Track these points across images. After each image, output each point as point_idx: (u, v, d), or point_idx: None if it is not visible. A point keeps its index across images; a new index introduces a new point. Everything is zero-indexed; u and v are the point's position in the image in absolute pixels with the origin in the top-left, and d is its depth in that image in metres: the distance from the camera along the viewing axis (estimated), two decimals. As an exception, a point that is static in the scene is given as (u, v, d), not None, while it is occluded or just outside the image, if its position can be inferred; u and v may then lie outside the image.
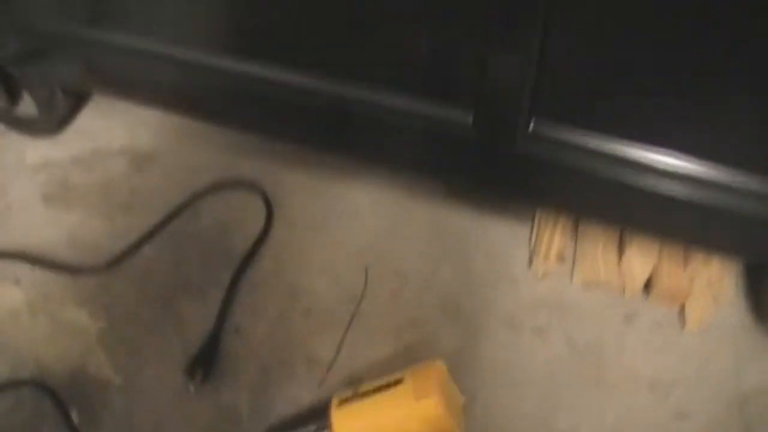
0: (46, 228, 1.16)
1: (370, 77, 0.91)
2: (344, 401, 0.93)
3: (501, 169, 0.95)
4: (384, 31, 0.87)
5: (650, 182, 0.86)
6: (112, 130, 1.28)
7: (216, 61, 0.99)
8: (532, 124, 0.87)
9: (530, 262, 1.08)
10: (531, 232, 1.10)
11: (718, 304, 1.02)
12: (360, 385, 0.95)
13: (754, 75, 0.72)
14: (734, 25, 0.70)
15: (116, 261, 1.09)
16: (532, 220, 1.11)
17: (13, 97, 1.27)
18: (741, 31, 0.70)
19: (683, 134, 0.83)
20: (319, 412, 0.94)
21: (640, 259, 1.04)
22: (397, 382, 0.92)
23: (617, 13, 0.74)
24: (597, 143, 0.86)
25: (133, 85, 1.10)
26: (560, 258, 1.07)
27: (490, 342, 1.01)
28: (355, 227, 1.12)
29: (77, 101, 1.31)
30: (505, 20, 0.77)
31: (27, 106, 1.27)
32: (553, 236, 1.08)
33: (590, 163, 0.87)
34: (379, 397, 0.91)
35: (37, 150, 1.28)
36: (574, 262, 1.07)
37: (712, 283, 1.02)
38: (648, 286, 1.05)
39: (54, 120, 1.28)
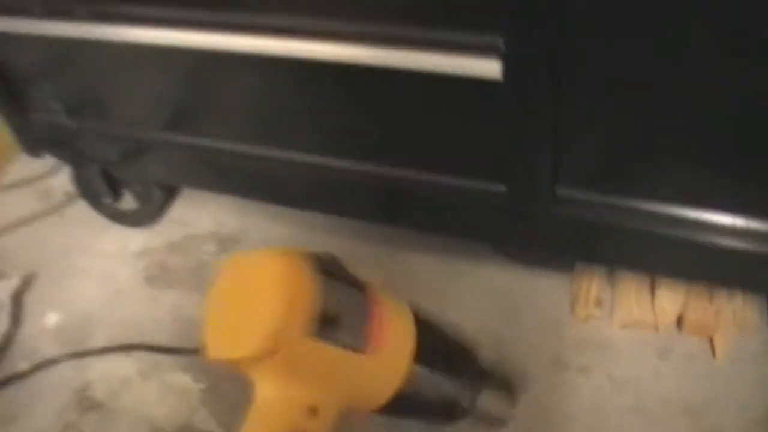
0: (151, 306, 1.33)
1: (423, 163, 1.07)
2: None
3: (538, 229, 1.07)
4: (432, 131, 1.04)
5: (678, 234, 0.95)
6: (201, 217, 1.46)
7: (292, 155, 1.16)
8: (558, 190, 1.01)
9: (572, 308, 1.22)
10: (571, 281, 1.24)
11: (744, 334, 1.13)
12: None
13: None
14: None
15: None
16: (572, 270, 1.24)
17: (116, 194, 1.46)
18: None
19: (704, 190, 0.92)
20: None
21: (670, 298, 1.15)
22: None
23: (629, 94, 0.87)
24: (621, 202, 0.97)
25: (219, 179, 1.28)
26: (598, 303, 1.19)
27: (539, 381, 1.13)
28: (411, 285, 1.26)
29: (170, 193, 1.50)
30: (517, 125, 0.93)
31: (128, 201, 1.48)
32: (591, 284, 1.20)
33: (617, 220, 0.98)
34: None
35: (138, 239, 1.47)
36: (611, 305, 1.20)
37: (737, 315, 1.13)
38: (679, 322, 1.17)
39: (151, 211, 1.47)
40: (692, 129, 0.87)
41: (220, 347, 0.64)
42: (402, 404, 0.74)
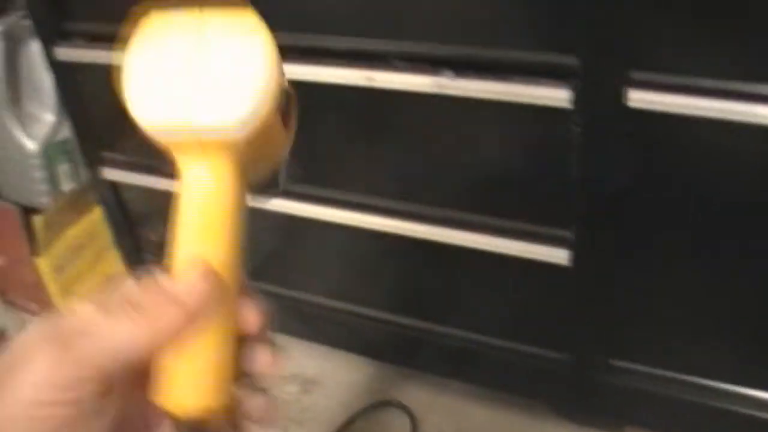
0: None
1: (492, 329, 1.22)
2: None
3: (592, 394, 1.20)
4: (504, 302, 1.20)
5: (725, 406, 1.07)
6: (285, 359, 1.61)
7: (374, 312, 1.32)
8: (611, 361, 1.15)
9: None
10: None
11: None
12: None
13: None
14: None
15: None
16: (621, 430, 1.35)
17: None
18: None
19: (747, 368, 1.06)
20: None
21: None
22: None
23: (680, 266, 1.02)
24: (670, 374, 1.11)
25: (303, 327, 1.44)
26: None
27: None
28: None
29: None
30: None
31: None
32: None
33: (666, 389, 1.11)
34: None
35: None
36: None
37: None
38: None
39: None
40: (733, 313, 1.02)
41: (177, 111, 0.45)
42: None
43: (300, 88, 0.49)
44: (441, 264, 1.19)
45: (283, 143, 0.53)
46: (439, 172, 1.09)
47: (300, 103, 0.50)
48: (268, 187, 0.61)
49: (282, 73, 0.47)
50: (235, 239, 0.48)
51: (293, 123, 0.53)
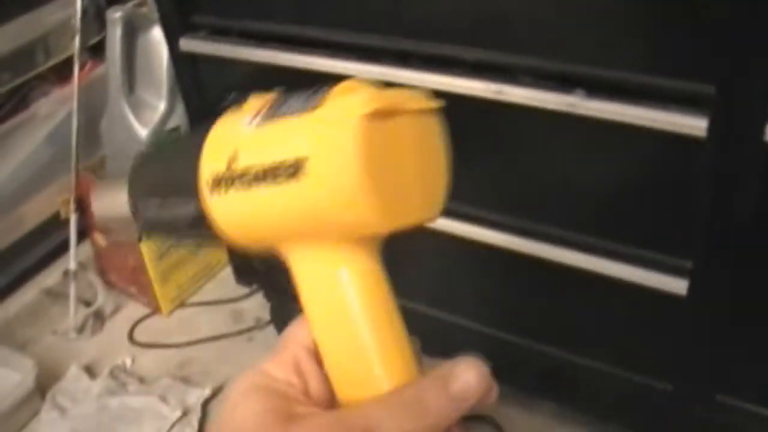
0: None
1: (591, 353, 1.21)
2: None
3: (691, 429, 1.19)
4: (614, 327, 1.18)
5: None
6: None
7: (472, 325, 1.32)
8: (718, 396, 1.12)
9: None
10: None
11: None
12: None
13: None
14: None
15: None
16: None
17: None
18: None
19: None
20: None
21: None
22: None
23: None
24: None
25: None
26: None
27: None
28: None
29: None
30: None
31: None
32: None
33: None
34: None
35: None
36: None
37: None
38: None
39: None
40: None
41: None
42: None
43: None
44: (548, 283, 1.18)
45: None
46: (557, 190, 1.08)
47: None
48: None
49: None
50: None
51: None
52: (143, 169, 0.51)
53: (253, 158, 0.43)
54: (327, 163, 0.40)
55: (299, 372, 0.46)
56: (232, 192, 0.43)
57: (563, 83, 0.96)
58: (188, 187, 0.46)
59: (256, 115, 0.44)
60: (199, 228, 0.47)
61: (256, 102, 0.46)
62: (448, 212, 1.15)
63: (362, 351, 0.45)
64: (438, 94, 0.92)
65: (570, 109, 0.94)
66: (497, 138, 1.08)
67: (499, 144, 1.09)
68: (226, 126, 0.46)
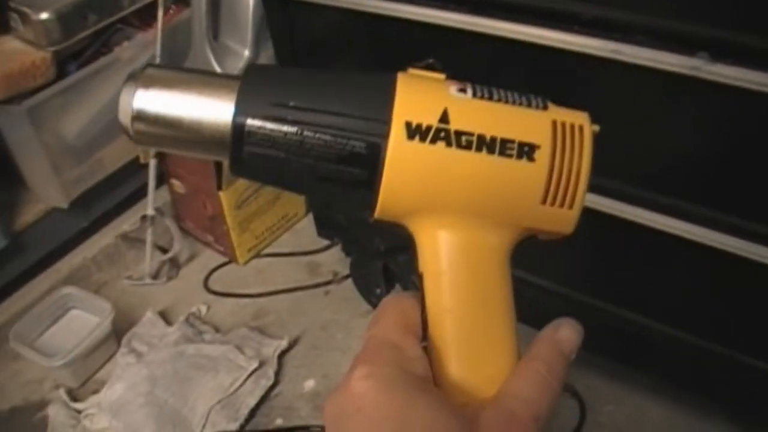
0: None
1: (684, 324, 1.17)
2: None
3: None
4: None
5: None
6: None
7: (558, 288, 1.28)
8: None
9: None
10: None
11: None
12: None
13: None
14: None
15: None
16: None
17: (389, 287, 1.60)
18: None
19: None
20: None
21: None
22: None
23: None
24: None
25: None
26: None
27: None
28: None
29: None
30: None
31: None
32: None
33: None
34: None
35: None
36: None
37: None
38: None
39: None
40: None
41: None
42: None
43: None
44: (641, 249, 1.14)
45: None
46: (664, 159, 1.04)
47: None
48: None
49: None
50: None
51: None
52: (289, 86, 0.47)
53: (475, 125, 0.46)
54: (559, 158, 0.47)
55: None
56: (439, 145, 0.45)
57: (686, 45, 0.91)
58: (376, 123, 0.45)
59: (463, 89, 0.47)
60: (363, 165, 0.46)
61: (439, 75, 0.49)
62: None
63: (494, 326, 0.49)
64: (552, 50, 0.89)
65: (693, 73, 0.90)
66: (610, 100, 1.03)
67: (612, 106, 1.04)
68: (423, 85, 0.47)
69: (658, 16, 0.93)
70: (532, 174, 0.46)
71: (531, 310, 1.37)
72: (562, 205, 0.48)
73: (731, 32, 0.89)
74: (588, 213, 0.99)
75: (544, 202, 0.47)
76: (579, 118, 0.48)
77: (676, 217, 1.04)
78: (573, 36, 0.96)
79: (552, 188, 0.47)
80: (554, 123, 0.47)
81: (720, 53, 0.89)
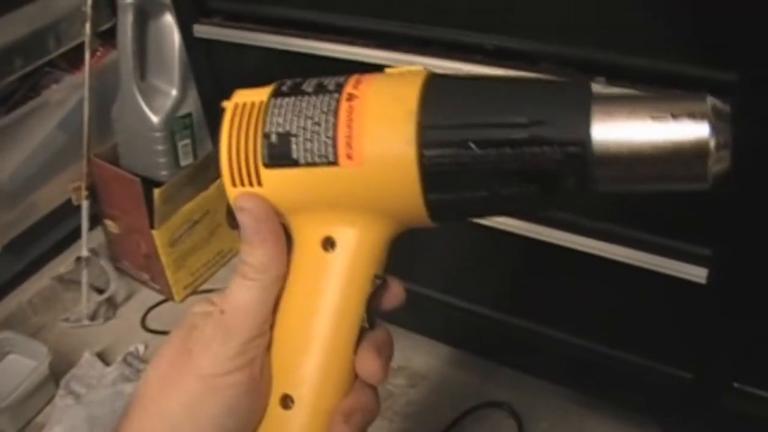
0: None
1: (616, 340, 1.20)
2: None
3: (709, 416, 1.17)
4: (631, 315, 1.17)
5: None
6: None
7: (490, 312, 1.31)
8: (736, 384, 1.11)
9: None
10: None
11: None
12: None
13: None
14: None
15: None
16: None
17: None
18: None
19: None
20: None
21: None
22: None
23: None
24: None
25: (416, 320, 1.44)
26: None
27: None
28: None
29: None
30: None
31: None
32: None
33: None
34: None
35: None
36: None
37: None
38: None
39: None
40: None
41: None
42: (445, 193, 0.48)
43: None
44: (565, 269, 1.17)
45: (344, 178, 0.58)
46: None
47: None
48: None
49: None
50: None
51: None
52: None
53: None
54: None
55: None
56: None
57: (584, 70, 0.95)
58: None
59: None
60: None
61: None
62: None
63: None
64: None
65: (592, 96, 0.93)
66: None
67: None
68: None
69: (560, 44, 0.97)
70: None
71: (467, 335, 1.40)
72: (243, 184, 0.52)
73: (624, 57, 0.92)
74: (511, 237, 1.02)
75: (233, 185, 0.53)
76: (261, 95, 0.53)
77: (590, 237, 1.08)
78: (477, 66, 1.00)
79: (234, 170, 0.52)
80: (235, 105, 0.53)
81: (616, 76, 0.93)
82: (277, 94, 0.52)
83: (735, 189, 0.91)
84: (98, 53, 1.77)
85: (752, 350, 1.07)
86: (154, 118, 1.67)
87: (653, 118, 0.43)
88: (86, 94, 1.68)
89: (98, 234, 1.87)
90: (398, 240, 0.54)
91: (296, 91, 0.51)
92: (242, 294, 0.52)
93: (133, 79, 1.67)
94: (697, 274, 1.01)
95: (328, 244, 0.52)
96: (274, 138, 0.50)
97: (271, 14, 1.21)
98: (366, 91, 0.49)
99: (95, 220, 1.82)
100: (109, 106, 1.73)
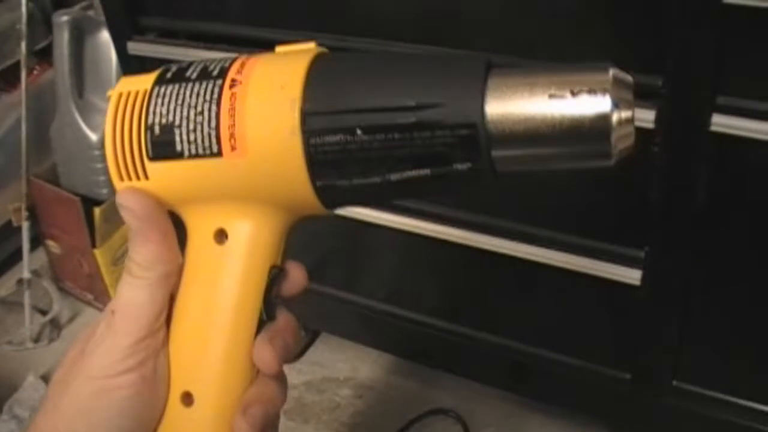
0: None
1: (553, 343, 1.21)
2: None
3: (653, 415, 1.19)
4: (567, 318, 1.19)
5: None
6: (338, 361, 1.62)
7: (432, 320, 1.32)
8: (675, 383, 1.13)
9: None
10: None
11: None
12: None
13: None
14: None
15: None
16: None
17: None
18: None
19: None
20: None
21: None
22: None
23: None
24: (735, 400, 1.09)
25: (362, 331, 1.44)
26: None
27: None
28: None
29: (313, 337, 1.67)
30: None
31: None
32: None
33: (727, 414, 1.10)
34: None
35: (278, 373, 1.62)
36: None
37: None
38: None
39: (296, 351, 1.63)
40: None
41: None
42: (332, 180, 0.46)
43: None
44: (503, 276, 1.19)
45: (229, 168, 0.56)
46: (508, 187, 1.08)
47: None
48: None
49: None
50: None
51: None
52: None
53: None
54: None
55: None
56: None
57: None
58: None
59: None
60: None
61: None
62: (405, 209, 1.16)
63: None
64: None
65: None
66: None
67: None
68: None
69: (487, 53, 0.98)
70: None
71: (411, 344, 1.41)
72: (131, 178, 0.50)
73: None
74: (447, 245, 1.03)
75: (120, 179, 0.51)
76: (145, 82, 0.50)
77: (524, 242, 1.09)
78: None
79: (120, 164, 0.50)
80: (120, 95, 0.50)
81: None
82: (161, 81, 0.49)
83: (665, 189, 0.94)
84: (35, 72, 1.75)
85: (690, 349, 1.09)
86: (93, 136, 1.66)
87: (551, 96, 0.40)
88: (23, 113, 1.67)
89: (40, 255, 1.84)
90: (294, 228, 0.52)
91: (180, 77, 0.49)
92: (129, 292, 0.50)
93: (71, 97, 1.66)
94: (632, 276, 1.03)
95: (221, 236, 0.50)
96: (157, 129, 0.48)
97: (204, 30, 1.21)
98: (249, 77, 0.47)
99: (36, 241, 1.79)
100: (47, 125, 1.71)
